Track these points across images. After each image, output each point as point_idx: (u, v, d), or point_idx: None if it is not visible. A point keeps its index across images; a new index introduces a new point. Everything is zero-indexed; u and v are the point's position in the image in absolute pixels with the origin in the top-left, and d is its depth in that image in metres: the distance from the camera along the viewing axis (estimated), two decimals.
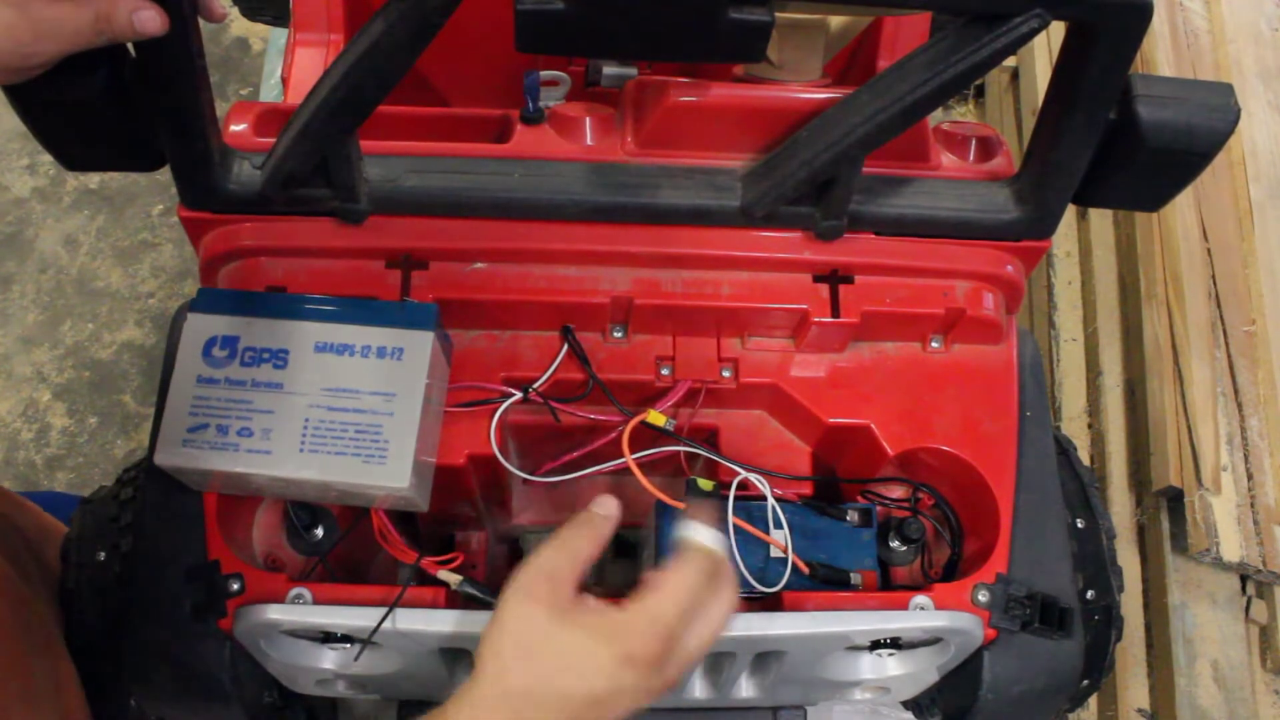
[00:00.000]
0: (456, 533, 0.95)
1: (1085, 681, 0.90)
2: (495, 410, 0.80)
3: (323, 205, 0.78)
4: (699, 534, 0.62)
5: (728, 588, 0.62)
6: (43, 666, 0.86)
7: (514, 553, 1.01)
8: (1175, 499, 1.41)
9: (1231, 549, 1.35)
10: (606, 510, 0.63)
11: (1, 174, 1.91)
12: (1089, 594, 0.88)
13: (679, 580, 0.59)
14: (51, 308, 1.79)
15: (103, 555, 0.85)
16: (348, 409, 0.72)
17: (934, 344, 0.86)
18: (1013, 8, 0.64)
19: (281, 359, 0.74)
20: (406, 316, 0.75)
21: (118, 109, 0.69)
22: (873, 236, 0.83)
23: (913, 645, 0.82)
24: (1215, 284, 1.53)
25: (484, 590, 0.77)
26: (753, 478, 0.81)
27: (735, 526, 0.78)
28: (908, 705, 0.93)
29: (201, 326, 0.75)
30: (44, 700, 0.85)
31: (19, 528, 1.01)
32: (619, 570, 0.98)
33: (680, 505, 0.78)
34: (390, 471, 0.71)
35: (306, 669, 0.80)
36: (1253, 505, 1.39)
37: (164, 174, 0.76)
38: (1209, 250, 1.55)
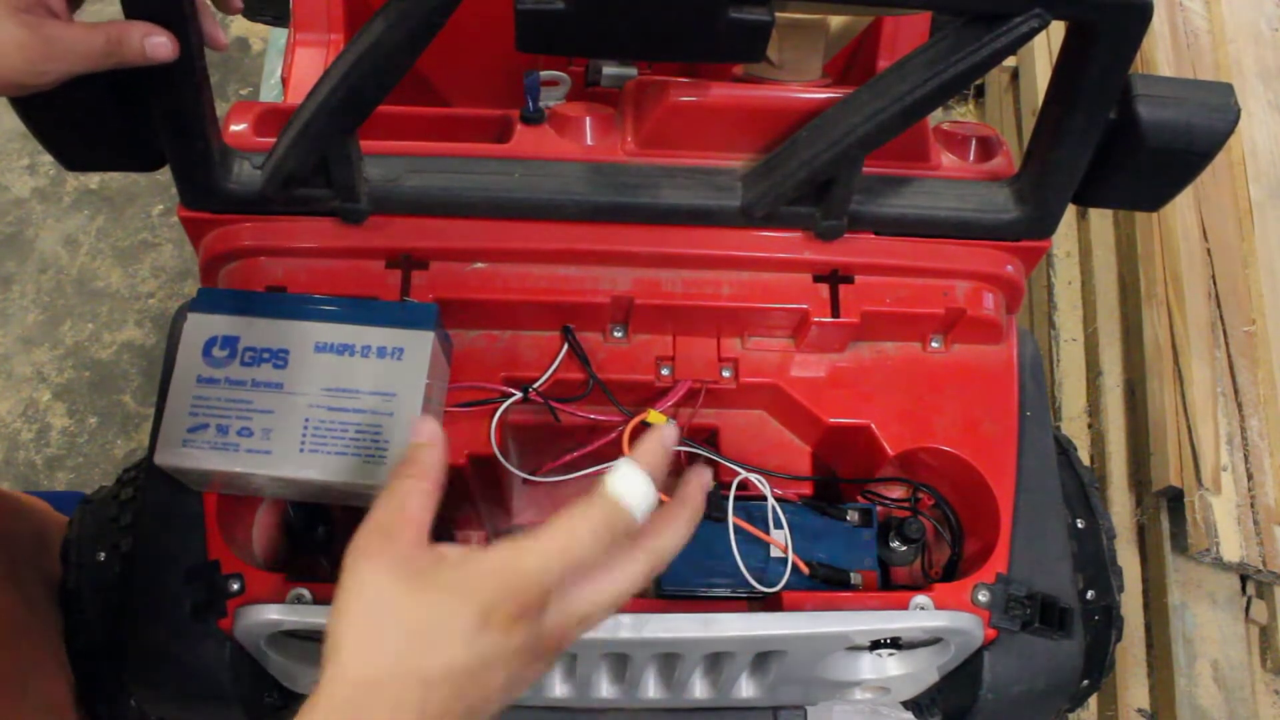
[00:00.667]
0: (456, 533, 0.95)
1: (1085, 681, 0.90)
2: (495, 410, 0.80)
3: (323, 205, 0.78)
4: (624, 482, 0.51)
5: (638, 553, 0.53)
6: (39, 688, 0.86)
7: None
8: (1175, 499, 1.41)
9: (1231, 549, 1.35)
10: (426, 436, 0.55)
11: (1, 174, 1.91)
12: (1089, 594, 0.88)
13: (570, 530, 0.50)
14: (51, 308, 1.79)
15: (103, 555, 0.85)
16: (348, 409, 0.72)
17: (934, 344, 0.86)
18: (1012, 8, 0.64)
19: (281, 359, 0.74)
20: (406, 316, 0.75)
21: (118, 109, 0.69)
22: (873, 236, 0.83)
23: (913, 645, 0.82)
24: (1215, 284, 1.53)
25: None
26: (753, 478, 0.81)
27: (735, 526, 0.78)
28: (908, 705, 0.93)
29: (201, 326, 0.75)
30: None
31: (17, 534, 1.00)
32: None
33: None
34: (390, 471, 0.71)
35: (306, 670, 0.80)
36: (1253, 505, 1.39)
37: (164, 174, 0.76)
38: (1209, 250, 1.55)
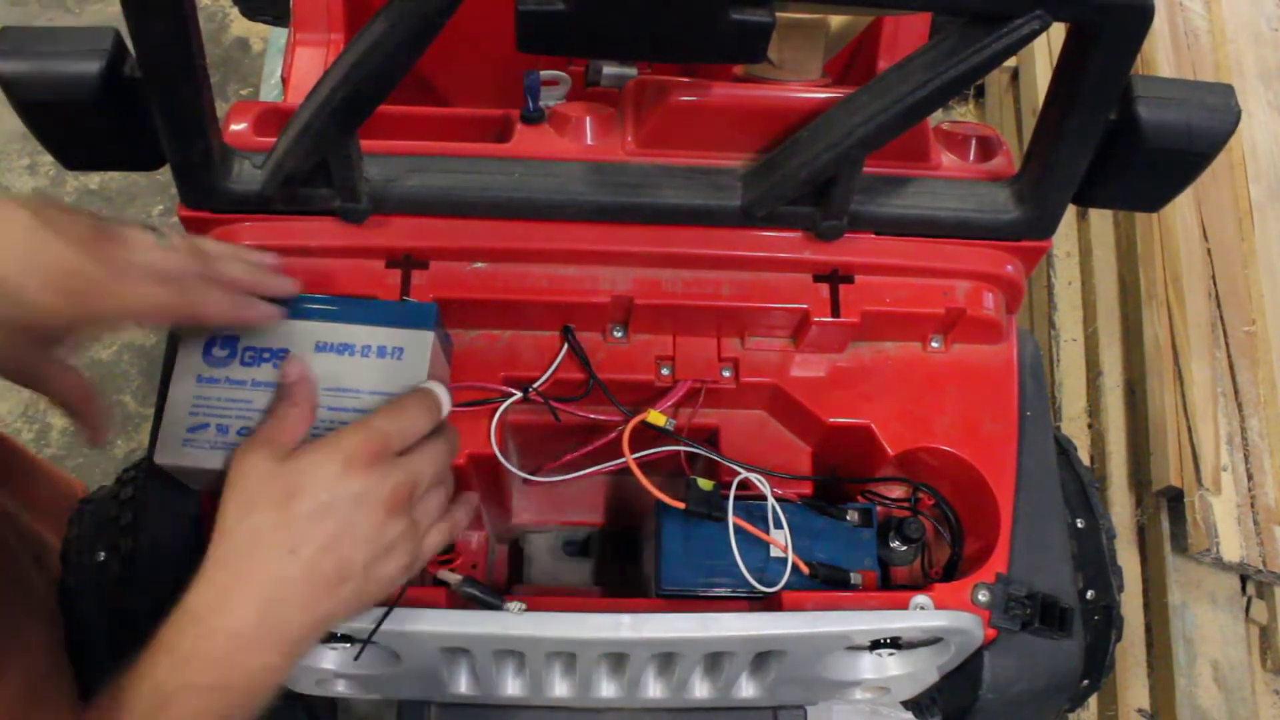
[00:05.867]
0: None
1: (1085, 681, 0.90)
2: (495, 410, 0.80)
3: (323, 205, 0.78)
4: (438, 386, 0.70)
5: (448, 431, 0.69)
6: (17, 660, 0.85)
7: (514, 552, 1.01)
8: (1175, 499, 1.41)
9: (1231, 549, 1.35)
10: (295, 375, 0.68)
11: (1, 174, 1.91)
12: (1089, 594, 0.88)
13: (404, 404, 0.66)
14: None
15: (103, 555, 0.85)
16: (348, 409, 0.72)
17: (934, 344, 0.86)
18: (1013, 9, 0.64)
19: (282, 359, 0.74)
20: (406, 316, 0.75)
21: (118, 109, 0.69)
22: (873, 236, 0.83)
23: (913, 645, 0.82)
24: (1215, 284, 1.53)
25: (485, 590, 0.77)
26: (753, 477, 0.81)
27: (735, 526, 0.78)
28: (908, 705, 0.93)
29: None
30: None
31: (21, 529, 1.00)
32: (619, 572, 0.98)
33: (680, 505, 0.78)
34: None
35: (306, 669, 0.80)
36: (1253, 505, 1.39)
37: (164, 174, 0.76)
38: (1209, 250, 1.55)
